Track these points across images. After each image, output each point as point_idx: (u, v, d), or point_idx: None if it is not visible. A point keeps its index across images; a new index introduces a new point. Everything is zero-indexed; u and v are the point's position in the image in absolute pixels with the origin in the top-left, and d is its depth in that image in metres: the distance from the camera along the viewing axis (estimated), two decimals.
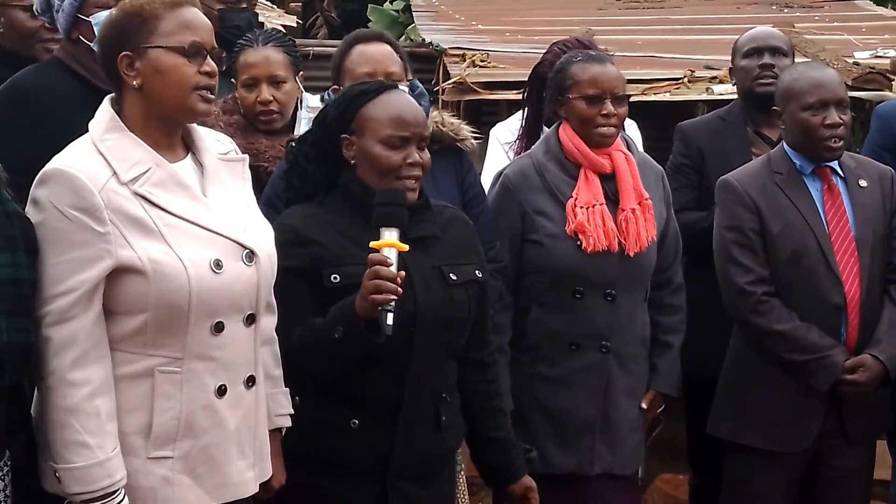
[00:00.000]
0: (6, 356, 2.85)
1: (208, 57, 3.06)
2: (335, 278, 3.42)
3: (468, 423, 3.71)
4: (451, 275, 3.54)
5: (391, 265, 3.28)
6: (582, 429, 4.33)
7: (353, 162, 3.54)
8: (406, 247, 3.33)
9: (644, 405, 4.43)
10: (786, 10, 11.78)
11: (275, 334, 3.31)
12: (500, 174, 4.44)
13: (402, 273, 3.30)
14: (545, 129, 5.11)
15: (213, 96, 3.11)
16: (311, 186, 3.60)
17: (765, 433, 4.47)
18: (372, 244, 3.31)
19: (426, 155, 3.54)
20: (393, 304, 3.26)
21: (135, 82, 3.04)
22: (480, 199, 4.32)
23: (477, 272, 3.63)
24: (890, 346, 4.38)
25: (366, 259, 3.31)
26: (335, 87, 4.16)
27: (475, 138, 4.28)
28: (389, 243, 3.31)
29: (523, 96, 5.26)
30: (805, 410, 4.43)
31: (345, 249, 3.46)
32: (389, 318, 3.26)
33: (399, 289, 3.27)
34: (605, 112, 4.25)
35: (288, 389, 3.38)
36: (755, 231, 4.43)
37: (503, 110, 7.98)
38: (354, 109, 3.54)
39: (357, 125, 3.53)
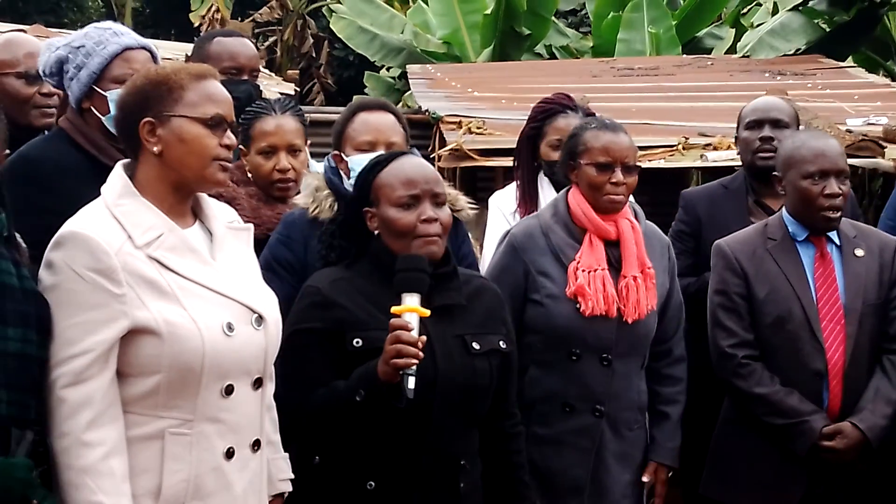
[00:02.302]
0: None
1: (228, 130, 3.13)
2: (357, 342, 3.46)
3: (491, 492, 3.72)
4: (473, 344, 3.58)
5: (412, 330, 3.33)
6: (571, 491, 4.33)
7: (377, 233, 3.60)
8: (427, 312, 3.38)
9: (646, 478, 4.43)
10: (778, 78, 11.87)
11: (273, 401, 3.33)
12: (507, 233, 4.49)
13: (423, 338, 3.34)
14: (543, 187, 5.16)
15: (230, 166, 3.17)
16: (340, 256, 3.66)
17: (752, 496, 4.48)
18: (393, 309, 3.36)
19: (445, 212, 3.59)
20: (414, 368, 3.30)
21: (155, 148, 3.09)
22: (473, 269, 4.33)
23: (501, 343, 3.66)
24: (872, 415, 4.37)
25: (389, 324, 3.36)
26: (335, 153, 4.20)
27: (472, 207, 4.31)
28: (410, 308, 3.36)
29: (514, 161, 5.30)
30: (788, 475, 4.43)
31: (369, 314, 3.50)
32: (411, 382, 3.30)
33: (420, 353, 3.31)
34: (614, 180, 4.29)
35: (287, 455, 3.40)
36: (741, 295, 4.46)
37: (499, 177, 8.03)
38: (370, 181, 3.61)
39: (374, 196, 3.60)
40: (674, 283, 4.53)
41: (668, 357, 4.52)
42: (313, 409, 3.43)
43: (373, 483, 3.48)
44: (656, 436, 4.48)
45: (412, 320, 3.35)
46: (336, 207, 4.02)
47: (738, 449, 4.52)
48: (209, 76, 3.17)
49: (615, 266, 4.32)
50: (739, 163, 8.01)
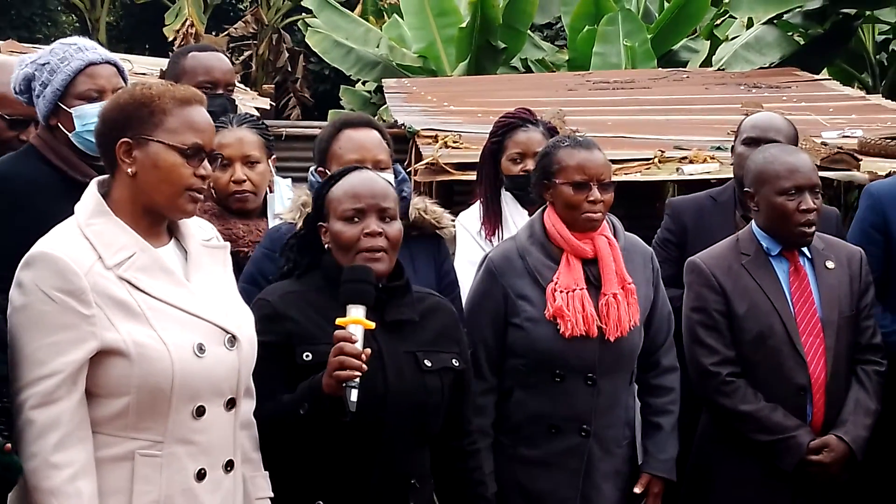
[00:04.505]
0: None
1: (206, 160, 3.11)
2: (307, 356, 3.45)
3: None
4: (425, 361, 3.56)
5: (356, 342, 3.31)
6: None
7: (327, 246, 3.61)
8: (372, 324, 3.37)
9: (638, 489, 4.43)
10: (754, 91, 11.90)
11: (253, 418, 3.31)
12: (485, 258, 4.47)
13: (368, 350, 3.32)
14: (507, 203, 5.14)
15: (202, 197, 3.15)
16: (292, 269, 3.67)
17: None
18: (338, 321, 3.35)
19: (393, 227, 3.58)
20: (357, 381, 3.27)
21: (129, 170, 3.07)
22: (454, 286, 4.36)
23: (454, 361, 3.65)
24: (855, 426, 4.39)
25: None
26: (319, 168, 4.20)
27: (454, 226, 4.31)
28: (355, 320, 3.34)
29: (477, 177, 5.28)
30: (772, 492, 4.43)
31: (319, 328, 3.48)
32: (353, 395, 3.27)
33: (364, 365, 3.29)
34: (591, 198, 4.28)
35: (267, 473, 3.37)
36: (721, 312, 4.45)
37: (475, 191, 8.01)
38: (323, 197, 3.63)
39: (326, 210, 3.61)
40: (658, 293, 4.52)
41: (657, 367, 4.51)
42: (260, 422, 3.39)
43: (321, 502, 3.46)
44: (649, 447, 4.47)
45: (356, 332, 3.33)
46: None
47: (719, 465, 4.51)
48: (195, 102, 3.14)
49: (595, 284, 4.30)
50: (716, 176, 8.06)
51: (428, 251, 4.26)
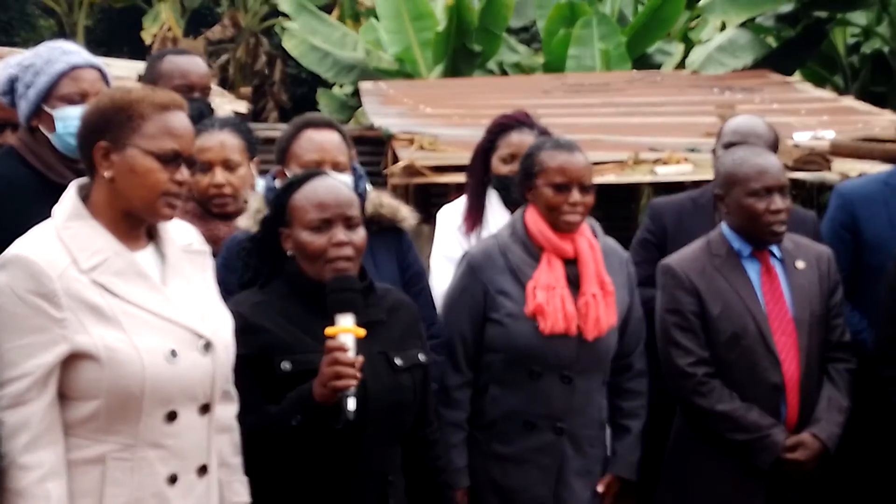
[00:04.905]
0: None
1: (183, 166, 3.10)
2: (286, 366, 3.44)
3: (417, 499, 3.71)
4: (397, 360, 3.56)
5: (349, 350, 3.31)
6: None
7: (290, 253, 3.58)
8: (363, 332, 3.36)
9: (600, 489, 4.45)
10: (727, 93, 11.97)
11: (235, 422, 3.31)
12: (465, 254, 4.48)
13: (360, 358, 3.33)
14: (491, 202, 5.16)
15: (178, 203, 3.13)
16: (253, 278, 3.64)
17: None
18: (328, 331, 3.34)
19: (358, 234, 3.56)
20: (353, 389, 3.29)
21: (107, 173, 3.07)
22: (421, 277, 4.36)
23: (420, 356, 3.65)
24: (829, 424, 4.42)
25: (315, 346, 3.36)
26: (280, 169, 4.19)
27: (423, 220, 4.30)
28: (346, 329, 3.34)
29: (467, 173, 5.30)
30: (746, 491, 4.45)
31: (294, 337, 3.47)
32: (351, 404, 3.29)
33: (358, 374, 3.30)
34: (571, 201, 4.29)
35: (246, 478, 3.36)
36: (695, 314, 4.47)
37: (452, 193, 8.02)
38: (285, 201, 3.59)
39: (288, 216, 3.57)
40: (634, 297, 4.54)
41: (629, 371, 4.53)
42: (246, 435, 3.37)
43: None
44: (617, 449, 4.49)
45: (348, 340, 3.33)
46: None
47: (694, 464, 4.53)
48: (174, 108, 3.12)
49: (574, 284, 4.32)
50: (690, 178, 8.10)
51: (388, 245, 4.26)
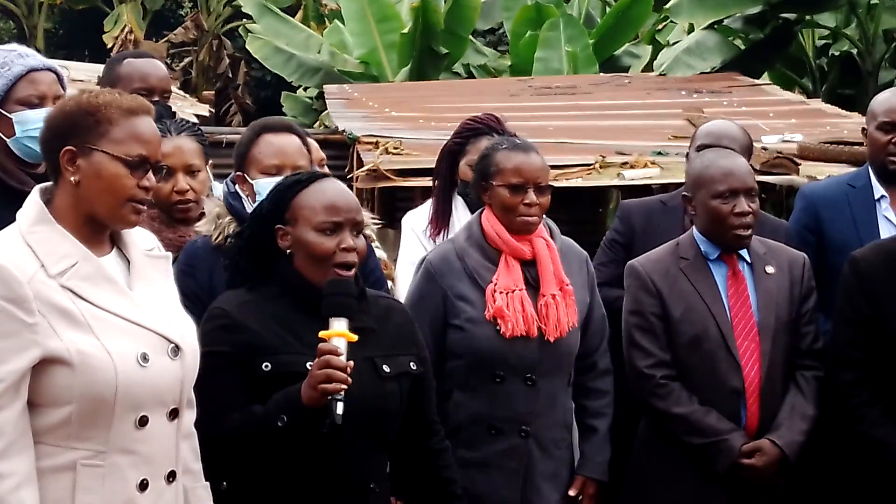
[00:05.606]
0: None
1: (150, 171, 3.08)
2: (266, 366, 3.43)
3: None
4: (384, 367, 3.55)
5: (341, 355, 3.32)
6: None
7: (288, 252, 3.56)
8: (355, 337, 3.37)
9: (572, 492, 4.43)
10: (695, 96, 12.00)
11: (194, 429, 3.28)
12: (423, 259, 4.47)
13: (351, 363, 3.33)
14: (457, 206, 5.13)
15: (144, 208, 3.12)
16: (244, 279, 3.62)
17: None
18: (321, 334, 3.34)
19: (361, 241, 3.58)
20: (343, 394, 3.29)
21: (73, 178, 3.04)
22: (381, 283, 4.35)
23: (412, 364, 3.64)
24: (789, 431, 4.40)
25: (299, 349, 3.37)
26: (238, 174, 4.16)
27: (388, 225, 4.28)
28: (339, 333, 3.35)
29: (434, 175, 5.27)
30: (707, 494, 4.43)
31: (279, 338, 3.47)
32: (339, 408, 3.29)
33: (349, 378, 3.30)
34: (527, 202, 4.29)
35: (208, 484, 3.33)
36: (656, 315, 4.47)
37: (417, 197, 8.01)
38: (288, 199, 3.57)
39: (291, 215, 3.55)
40: (594, 296, 4.54)
41: (593, 370, 4.53)
42: (226, 434, 3.38)
43: None
44: (585, 450, 4.49)
45: (340, 345, 3.34)
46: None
47: (657, 469, 4.52)
48: (142, 112, 3.11)
49: (533, 285, 4.32)
50: (657, 181, 8.09)
51: None
